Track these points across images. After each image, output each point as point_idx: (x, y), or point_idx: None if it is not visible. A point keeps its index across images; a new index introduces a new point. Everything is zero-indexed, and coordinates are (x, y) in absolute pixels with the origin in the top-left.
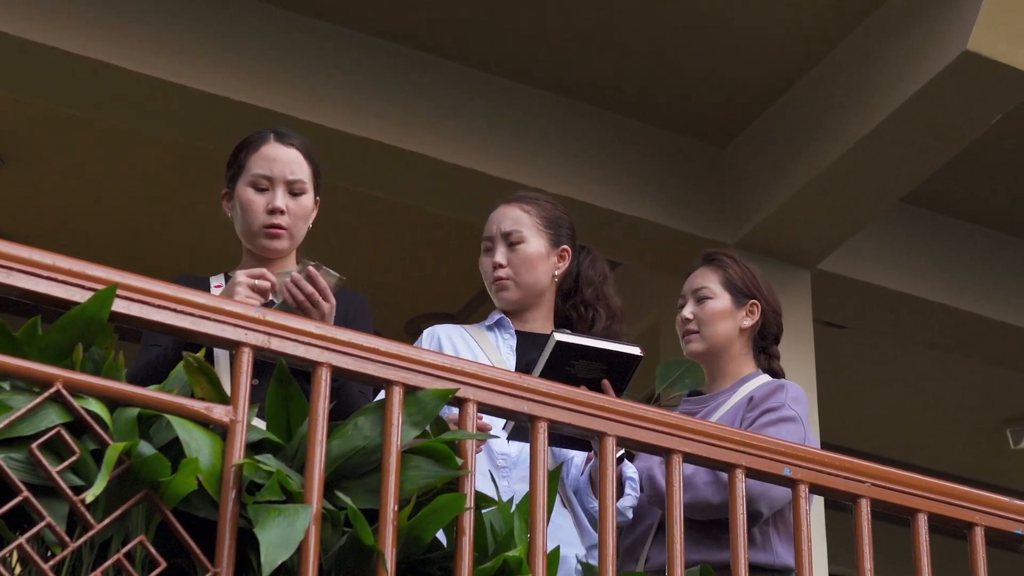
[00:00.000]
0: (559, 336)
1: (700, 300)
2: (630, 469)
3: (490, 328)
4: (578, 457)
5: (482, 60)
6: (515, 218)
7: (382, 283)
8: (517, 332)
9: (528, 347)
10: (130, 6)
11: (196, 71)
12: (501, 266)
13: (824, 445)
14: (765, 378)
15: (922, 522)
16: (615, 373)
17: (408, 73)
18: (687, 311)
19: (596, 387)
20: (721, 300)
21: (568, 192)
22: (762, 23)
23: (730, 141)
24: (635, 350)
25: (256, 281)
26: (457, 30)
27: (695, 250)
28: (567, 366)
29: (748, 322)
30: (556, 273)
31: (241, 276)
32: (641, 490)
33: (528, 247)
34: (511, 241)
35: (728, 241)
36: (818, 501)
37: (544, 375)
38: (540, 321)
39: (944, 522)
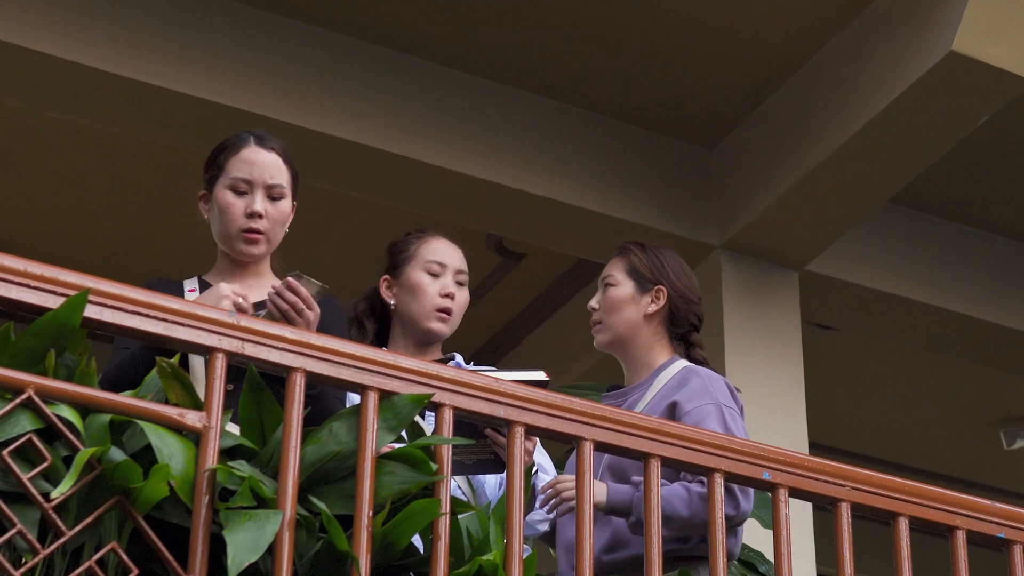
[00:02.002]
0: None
1: (605, 288)
2: (543, 483)
3: None
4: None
5: (470, 63)
6: (463, 260)
7: (370, 283)
8: None
9: None
10: (117, 11)
11: (186, 76)
12: (452, 299)
13: (813, 446)
14: (680, 364)
15: (903, 526)
16: None
17: (397, 77)
18: (594, 300)
19: None
20: (623, 287)
21: (556, 195)
22: (748, 26)
23: (717, 143)
24: (540, 375)
25: (240, 300)
26: (446, 34)
27: (683, 252)
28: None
29: (653, 307)
30: None
31: (226, 290)
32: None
33: (466, 292)
34: (459, 281)
35: (716, 243)
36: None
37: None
38: (433, 354)
39: (925, 525)
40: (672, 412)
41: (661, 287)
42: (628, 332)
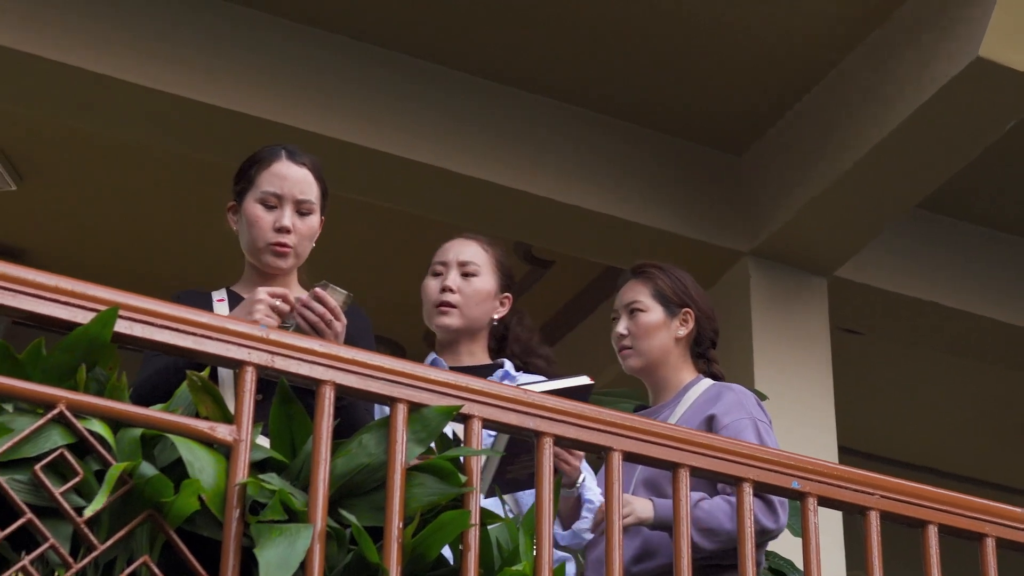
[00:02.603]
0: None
1: (632, 314)
2: (589, 492)
3: None
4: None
5: (496, 71)
6: (475, 251)
7: (401, 293)
8: (451, 368)
9: None
10: (141, 21)
11: (209, 86)
12: (451, 291)
13: (843, 450)
14: (707, 382)
15: (932, 533)
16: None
17: (423, 85)
18: (621, 327)
19: None
20: (653, 312)
21: (584, 203)
22: (776, 32)
23: (745, 149)
24: (584, 379)
25: (277, 302)
26: (471, 42)
27: (712, 259)
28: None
29: (683, 331)
30: (495, 316)
31: (262, 293)
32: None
33: (481, 282)
34: (466, 272)
35: (744, 249)
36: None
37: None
38: (473, 356)
39: (955, 533)
40: (709, 425)
41: (688, 310)
42: (660, 357)
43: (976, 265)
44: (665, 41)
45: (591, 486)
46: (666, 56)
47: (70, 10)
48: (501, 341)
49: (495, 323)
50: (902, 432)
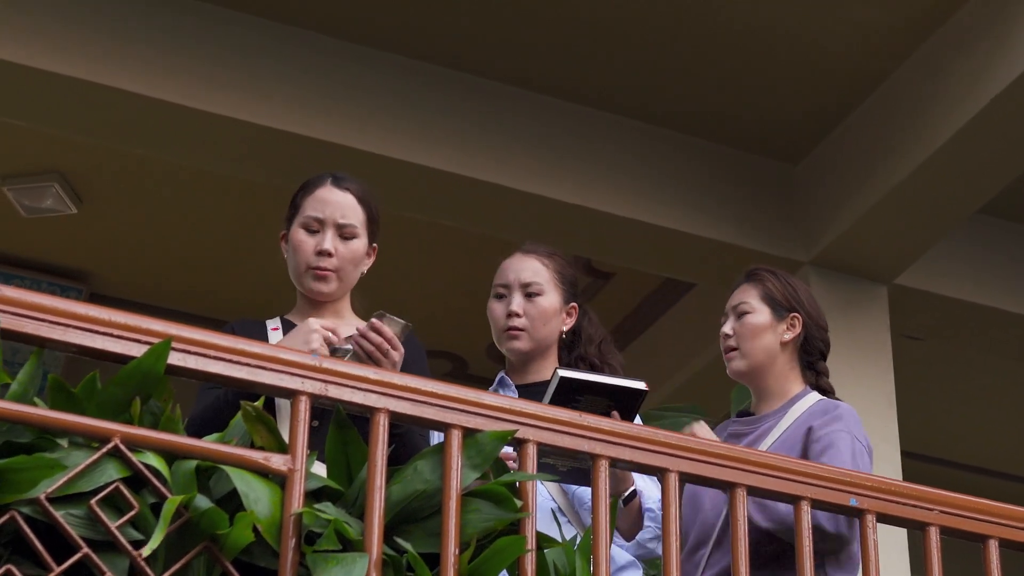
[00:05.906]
0: (563, 372)
1: (740, 315)
2: (649, 500)
3: (495, 391)
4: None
5: (550, 86)
6: (535, 270)
7: (463, 309)
8: (518, 386)
9: (530, 399)
10: (200, 48)
11: (265, 109)
12: (517, 315)
13: (906, 454)
14: (814, 397)
15: (993, 548)
16: (622, 408)
17: (486, 105)
18: (727, 327)
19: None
20: (760, 314)
21: (642, 216)
22: (830, 41)
23: (802, 158)
24: (640, 384)
25: (329, 334)
26: (523, 58)
27: None
28: (572, 402)
29: (789, 335)
30: (564, 329)
31: (315, 324)
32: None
33: (545, 300)
34: (530, 292)
35: (803, 259)
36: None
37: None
38: (540, 372)
39: (1016, 547)
40: (807, 437)
41: (796, 314)
42: (766, 360)
43: None
44: (721, 53)
45: (650, 495)
46: (722, 67)
47: (129, 38)
48: (571, 349)
49: (564, 336)
50: (965, 436)
